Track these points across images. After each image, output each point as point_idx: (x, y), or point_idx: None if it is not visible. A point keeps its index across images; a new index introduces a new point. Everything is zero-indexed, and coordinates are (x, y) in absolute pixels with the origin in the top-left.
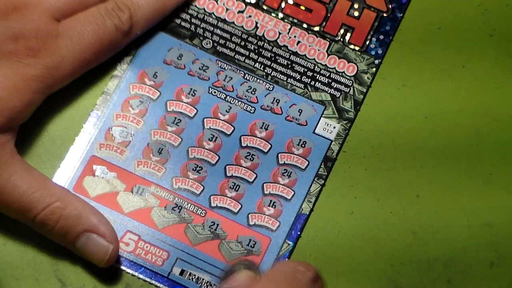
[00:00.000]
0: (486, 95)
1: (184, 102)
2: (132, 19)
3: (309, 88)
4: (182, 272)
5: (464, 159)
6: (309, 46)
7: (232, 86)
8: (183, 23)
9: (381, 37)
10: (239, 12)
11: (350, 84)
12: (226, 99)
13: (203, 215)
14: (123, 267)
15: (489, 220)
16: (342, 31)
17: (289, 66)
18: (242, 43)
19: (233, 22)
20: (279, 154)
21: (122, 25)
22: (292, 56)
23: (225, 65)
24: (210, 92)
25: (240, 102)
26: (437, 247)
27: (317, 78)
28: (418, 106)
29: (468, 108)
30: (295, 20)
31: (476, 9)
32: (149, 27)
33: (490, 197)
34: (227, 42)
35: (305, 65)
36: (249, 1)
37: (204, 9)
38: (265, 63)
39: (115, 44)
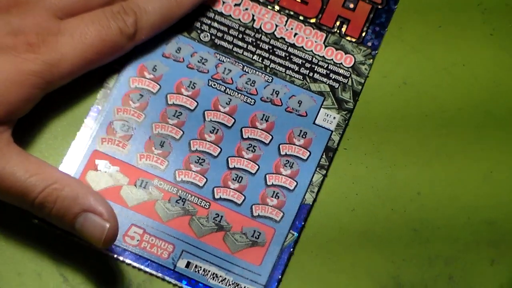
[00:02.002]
0: (486, 93)
1: (184, 95)
2: (138, 24)
3: (308, 80)
4: (188, 265)
5: (465, 156)
6: (306, 38)
7: (231, 78)
8: None
9: (377, 28)
10: (235, 5)
11: (348, 75)
12: (226, 92)
13: (207, 207)
14: (129, 261)
15: (490, 217)
16: (338, 23)
17: (287, 58)
18: (240, 36)
19: (230, 15)
20: (280, 145)
21: (126, 29)
22: (289, 48)
23: (223, 57)
24: (209, 84)
25: (240, 94)
26: (438, 244)
27: (315, 69)
28: (419, 104)
29: (468, 107)
30: (291, 13)
31: (476, 8)
32: (155, 33)
33: (490, 194)
34: (225, 35)
35: (303, 56)
36: None
37: None
38: (263, 55)
39: (118, 46)
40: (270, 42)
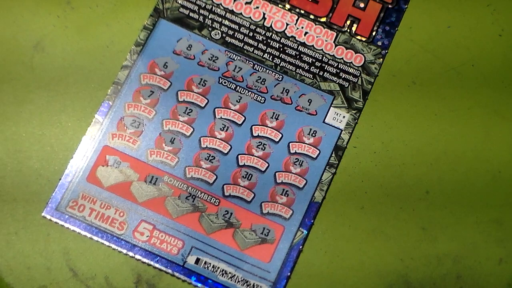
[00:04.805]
0: (495, 94)
1: (195, 92)
2: None
3: (318, 78)
4: (197, 261)
5: (473, 156)
6: (317, 37)
7: (241, 76)
8: (191, 14)
9: (387, 28)
10: (246, 3)
11: (358, 74)
12: (236, 89)
13: (217, 204)
14: (138, 257)
15: (498, 216)
16: (348, 22)
17: (297, 56)
18: (251, 34)
19: (241, 13)
20: (290, 144)
21: None
22: (300, 46)
23: (234, 55)
24: (220, 82)
25: (250, 92)
26: (447, 243)
27: (325, 68)
28: (428, 103)
29: (477, 106)
30: (302, 11)
31: (485, 9)
32: None
33: (499, 194)
34: (236, 33)
35: (313, 55)
36: None
37: (212, 0)
38: (274, 53)
39: None
40: (281, 41)
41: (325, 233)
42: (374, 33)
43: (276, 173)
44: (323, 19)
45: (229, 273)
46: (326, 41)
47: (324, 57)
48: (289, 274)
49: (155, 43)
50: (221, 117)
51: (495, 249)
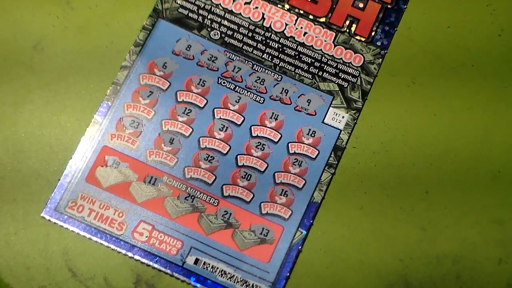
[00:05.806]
0: (495, 94)
1: (194, 93)
2: None
3: (317, 79)
4: (196, 261)
5: (473, 156)
6: (316, 37)
7: (241, 76)
8: (190, 14)
9: (386, 28)
10: (245, 3)
11: (357, 74)
12: (236, 90)
13: (216, 204)
14: (137, 257)
15: (497, 217)
16: (347, 22)
17: (297, 56)
18: (250, 34)
19: (240, 13)
20: (289, 144)
21: None
22: (299, 47)
23: (233, 56)
24: (219, 82)
25: (249, 93)
26: (446, 243)
27: (324, 68)
28: (427, 103)
29: (477, 107)
30: (301, 11)
31: (485, 9)
32: None
33: (498, 194)
34: (235, 33)
35: (312, 55)
36: None
37: (211, 0)
38: (273, 54)
39: None
40: (280, 41)
41: (325, 233)
42: (373, 33)
43: (275, 173)
44: (322, 19)
45: (228, 273)
46: (325, 41)
47: (323, 57)
48: (288, 274)
49: (154, 44)
50: (220, 117)
51: (495, 249)
